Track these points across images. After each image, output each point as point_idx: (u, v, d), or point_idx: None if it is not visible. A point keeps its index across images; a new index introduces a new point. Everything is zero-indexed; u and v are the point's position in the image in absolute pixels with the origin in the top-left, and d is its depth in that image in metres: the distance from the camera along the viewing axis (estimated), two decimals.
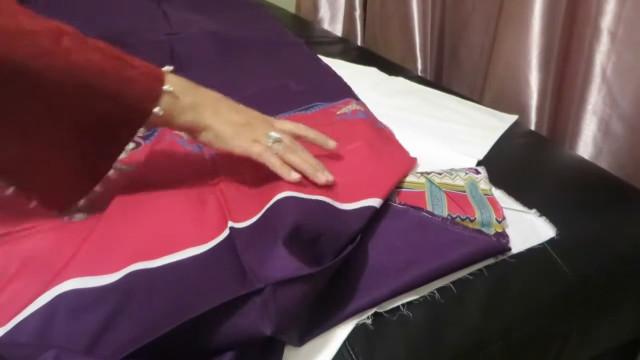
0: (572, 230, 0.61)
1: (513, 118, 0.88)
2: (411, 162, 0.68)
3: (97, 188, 0.54)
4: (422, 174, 0.65)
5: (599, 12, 0.84)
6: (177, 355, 0.40)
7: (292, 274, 0.43)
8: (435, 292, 0.52)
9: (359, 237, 0.52)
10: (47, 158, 0.49)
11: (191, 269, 0.46)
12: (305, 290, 0.44)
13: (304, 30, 1.41)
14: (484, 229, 0.57)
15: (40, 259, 0.48)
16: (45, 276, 0.45)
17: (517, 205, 0.64)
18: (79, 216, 0.55)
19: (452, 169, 0.67)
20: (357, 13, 1.50)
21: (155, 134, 0.71)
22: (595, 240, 0.62)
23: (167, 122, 0.53)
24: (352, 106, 0.82)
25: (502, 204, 0.61)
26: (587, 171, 0.76)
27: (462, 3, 1.17)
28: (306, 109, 0.84)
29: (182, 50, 1.07)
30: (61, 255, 0.47)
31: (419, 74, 1.26)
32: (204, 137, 0.54)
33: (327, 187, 0.57)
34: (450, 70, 1.28)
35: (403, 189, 0.62)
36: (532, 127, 0.96)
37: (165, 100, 0.51)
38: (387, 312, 0.50)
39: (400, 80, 1.02)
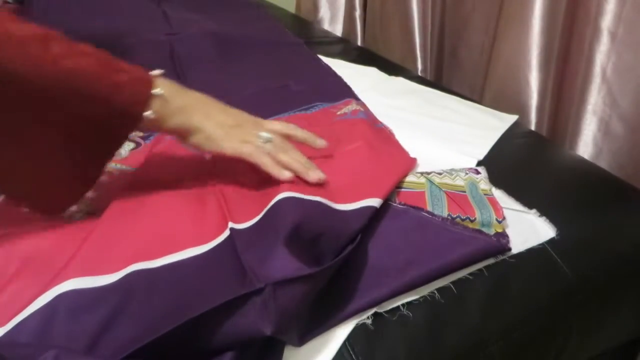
0: (572, 230, 0.61)
1: (513, 118, 0.88)
2: (411, 162, 0.68)
3: (97, 188, 0.54)
4: (422, 174, 0.65)
5: (599, 12, 0.84)
6: (177, 355, 0.40)
7: (292, 274, 0.43)
8: (435, 292, 0.52)
9: (359, 237, 0.52)
10: (37, 165, 0.49)
11: (191, 269, 0.46)
12: (305, 290, 0.44)
13: (304, 30, 1.41)
14: (484, 229, 0.57)
15: (40, 259, 0.48)
16: (45, 276, 0.45)
17: (517, 205, 0.64)
18: (78, 216, 0.55)
19: (452, 169, 0.67)
20: (357, 13, 1.50)
21: (156, 134, 0.71)
22: (595, 240, 0.62)
23: (157, 126, 0.53)
24: (352, 106, 0.82)
25: (502, 204, 0.61)
26: (587, 171, 0.76)
27: (462, 3, 1.17)
28: (306, 109, 0.84)
29: (182, 50, 1.07)
30: (61, 255, 0.47)
31: (419, 74, 1.26)
32: (194, 139, 0.54)
33: (327, 188, 0.57)
34: (450, 70, 1.28)
35: (403, 189, 0.62)
36: (532, 127, 0.96)
37: (155, 104, 0.51)
38: (387, 312, 0.50)
39: (400, 80, 1.02)
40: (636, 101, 0.83)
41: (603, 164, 0.87)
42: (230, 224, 0.52)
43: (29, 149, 0.48)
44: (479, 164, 0.72)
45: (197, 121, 0.54)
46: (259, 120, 0.60)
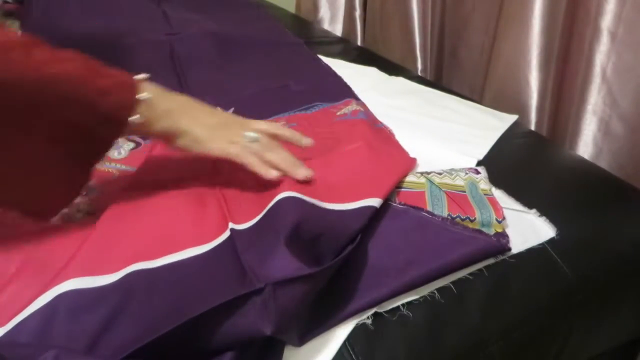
0: (572, 230, 0.61)
1: (513, 118, 0.88)
2: (411, 163, 0.68)
3: (97, 188, 0.54)
4: (422, 174, 0.65)
5: (599, 12, 0.84)
6: (177, 355, 0.40)
7: (292, 274, 0.43)
8: (435, 292, 0.52)
9: (359, 237, 0.52)
10: (24, 171, 0.48)
11: (191, 269, 0.46)
12: (305, 290, 0.44)
13: (304, 30, 1.41)
14: (484, 229, 0.57)
15: (40, 259, 0.48)
16: (45, 276, 0.45)
17: (517, 205, 0.64)
18: (79, 216, 0.55)
19: (452, 169, 0.67)
20: (357, 13, 1.50)
21: None
22: (595, 240, 0.62)
23: (143, 130, 0.53)
24: (352, 107, 0.82)
25: (502, 204, 0.61)
26: (587, 171, 0.76)
27: (462, 3, 1.17)
28: (306, 109, 0.84)
29: (182, 50, 1.07)
30: (61, 255, 0.47)
31: (419, 74, 1.26)
32: (181, 142, 0.54)
33: (326, 187, 0.57)
34: (450, 70, 1.28)
35: (403, 189, 0.62)
36: (532, 127, 0.96)
37: (140, 108, 0.51)
38: (387, 312, 0.50)
39: (400, 80, 1.02)
40: (636, 101, 0.83)
41: (603, 164, 0.87)
42: (231, 225, 0.52)
43: (14, 156, 0.47)
44: (479, 164, 0.72)
45: (183, 124, 0.54)
46: (245, 120, 0.60)
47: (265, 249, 0.47)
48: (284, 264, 0.44)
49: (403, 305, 0.50)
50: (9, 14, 1.32)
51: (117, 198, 0.54)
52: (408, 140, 0.75)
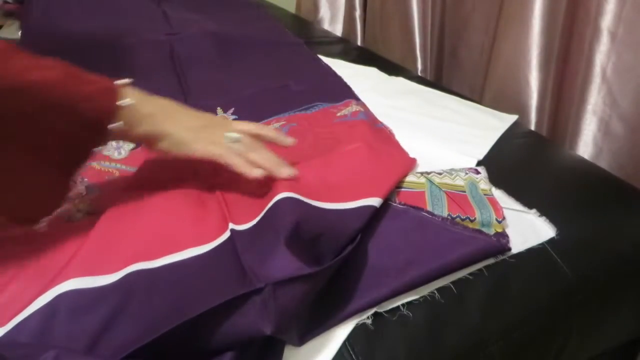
0: (572, 230, 0.61)
1: (513, 118, 0.88)
2: (411, 163, 0.68)
3: (98, 188, 0.54)
4: (422, 174, 0.65)
5: (599, 12, 0.84)
6: (177, 355, 0.40)
7: (292, 274, 0.43)
8: (435, 292, 0.52)
9: (359, 237, 0.52)
10: (6, 178, 0.48)
11: (191, 269, 0.46)
12: (305, 290, 0.44)
13: (304, 30, 1.41)
14: (484, 229, 0.57)
15: (40, 259, 0.48)
16: (45, 276, 0.45)
17: (517, 205, 0.64)
18: (79, 216, 0.55)
19: (452, 169, 0.67)
20: (357, 13, 1.50)
21: None
22: (595, 240, 0.62)
23: (125, 135, 0.53)
24: (352, 108, 0.82)
25: (502, 204, 0.61)
26: (587, 171, 0.76)
27: (462, 3, 1.17)
28: (306, 109, 0.84)
29: (182, 50, 1.07)
30: (61, 255, 0.47)
31: (419, 74, 1.26)
32: (164, 145, 0.54)
33: (326, 188, 0.57)
34: (450, 70, 1.28)
35: (403, 189, 0.62)
36: (532, 127, 0.96)
37: (122, 113, 0.50)
38: (387, 312, 0.50)
39: (400, 81, 1.02)
40: (636, 101, 0.83)
41: (603, 164, 0.87)
42: (231, 225, 0.52)
43: None
44: (479, 164, 0.72)
45: (166, 127, 0.54)
46: (227, 121, 0.60)
47: (265, 249, 0.47)
48: (284, 263, 0.44)
49: (403, 305, 0.50)
50: (9, 14, 1.32)
51: (117, 198, 0.54)
52: (408, 140, 0.75)
